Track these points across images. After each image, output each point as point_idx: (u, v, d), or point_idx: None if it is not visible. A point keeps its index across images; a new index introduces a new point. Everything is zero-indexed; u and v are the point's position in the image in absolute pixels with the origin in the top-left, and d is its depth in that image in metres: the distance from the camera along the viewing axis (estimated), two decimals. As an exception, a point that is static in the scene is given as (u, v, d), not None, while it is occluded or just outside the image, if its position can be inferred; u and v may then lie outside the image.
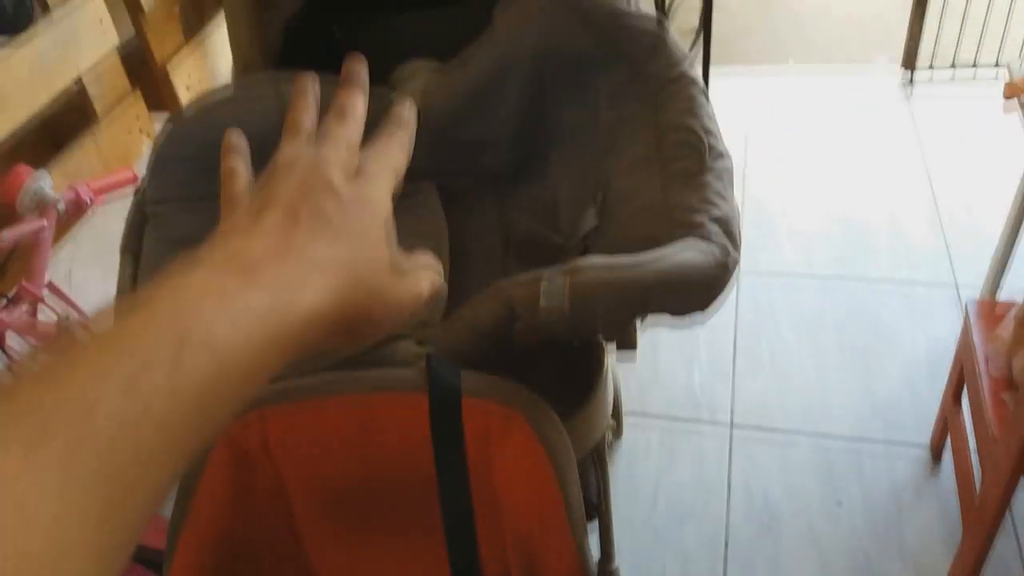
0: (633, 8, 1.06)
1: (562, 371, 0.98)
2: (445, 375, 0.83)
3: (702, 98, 0.96)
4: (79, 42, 1.50)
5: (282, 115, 1.19)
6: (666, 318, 0.90)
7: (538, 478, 0.78)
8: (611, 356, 1.10)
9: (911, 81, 2.98)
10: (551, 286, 0.83)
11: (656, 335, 2.18)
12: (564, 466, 0.80)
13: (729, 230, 0.88)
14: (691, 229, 0.87)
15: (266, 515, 0.84)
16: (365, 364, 0.91)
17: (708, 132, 0.94)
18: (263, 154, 1.25)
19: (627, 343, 1.08)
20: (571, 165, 1.14)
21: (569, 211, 1.12)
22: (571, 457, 0.81)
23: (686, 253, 0.84)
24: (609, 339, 1.01)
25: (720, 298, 0.89)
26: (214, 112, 1.13)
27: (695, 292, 0.85)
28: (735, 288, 2.29)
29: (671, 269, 0.82)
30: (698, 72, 1.03)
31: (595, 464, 1.16)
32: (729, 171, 0.94)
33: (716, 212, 0.89)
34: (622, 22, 1.00)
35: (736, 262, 0.88)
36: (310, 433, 0.84)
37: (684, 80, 0.97)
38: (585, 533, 0.78)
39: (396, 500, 0.86)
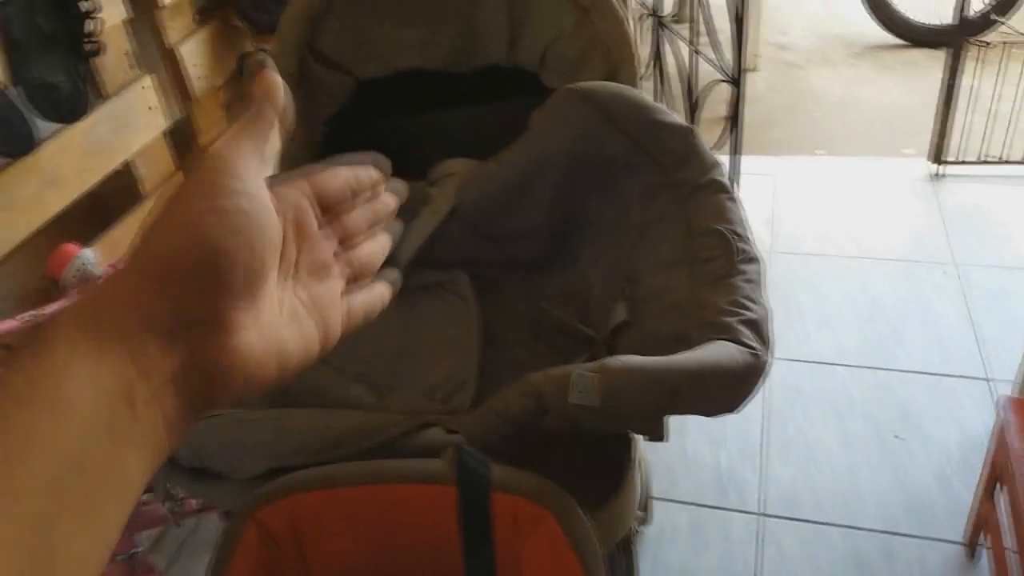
0: (662, 107, 1.09)
1: (591, 462, 0.98)
2: (475, 468, 0.84)
3: (732, 204, 0.99)
4: (131, 126, 1.57)
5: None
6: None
7: (565, 574, 0.78)
8: (640, 441, 1.10)
9: (939, 175, 3.00)
10: (580, 381, 0.84)
11: (684, 419, 2.17)
12: (591, 565, 0.80)
13: (760, 333, 0.89)
14: (721, 331, 0.89)
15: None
16: (394, 453, 0.92)
17: (738, 236, 0.96)
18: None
19: (656, 437, 1.09)
20: (601, 259, 1.16)
21: (599, 302, 1.14)
22: (598, 556, 0.81)
23: (716, 355, 0.85)
24: (639, 433, 1.01)
25: (747, 399, 0.90)
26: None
27: (725, 391, 0.86)
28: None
29: (702, 367, 0.83)
30: (726, 168, 1.06)
31: (623, 555, 1.15)
32: (759, 274, 0.95)
33: (747, 315, 0.90)
34: (654, 130, 1.03)
35: (766, 364, 0.89)
36: (338, 522, 0.85)
37: (715, 186, 1.00)
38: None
39: (423, 594, 0.86)
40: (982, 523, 1.68)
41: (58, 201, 1.46)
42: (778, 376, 2.27)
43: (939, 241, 2.72)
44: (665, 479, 2.01)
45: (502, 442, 0.91)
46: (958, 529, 1.81)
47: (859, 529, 1.85)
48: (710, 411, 0.88)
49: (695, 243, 0.97)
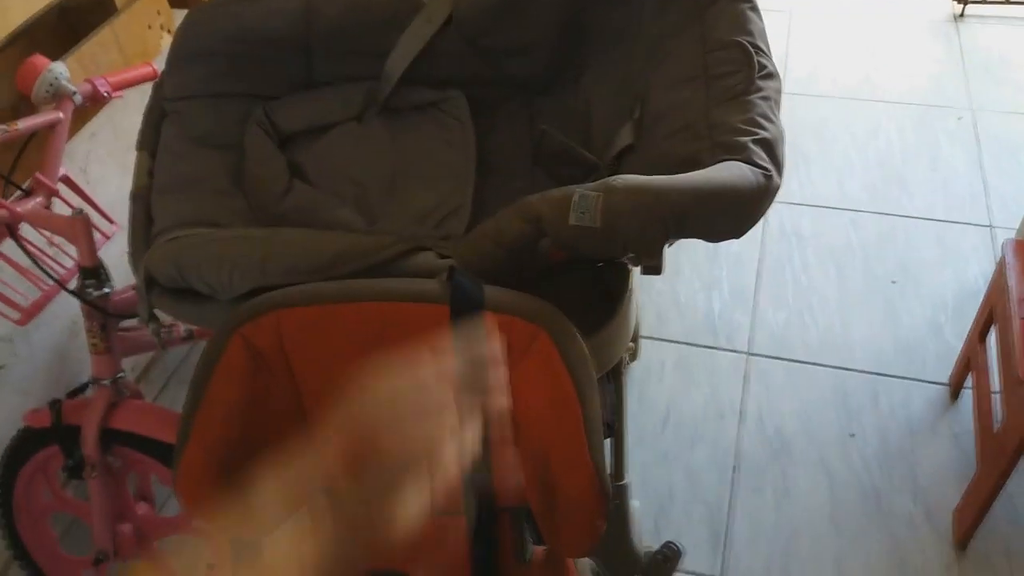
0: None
1: (586, 290, 0.95)
2: (467, 288, 0.80)
3: (754, 15, 0.91)
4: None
5: (305, 16, 1.15)
6: (696, 241, 0.87)
7: (558, 393, 0.77)
8: (634, 278, 1.07)
9: (962, 15, 2.85)
10: (582, 202, 0.79)
11: (678, 261, 2.15)
12: (585, 383, 0.78)
13: (773, 153, 0.84)
14: (734, 151, 0.83)
15: (278, 416, 0.84)
16: (386, 276, 0.89)
17: (758, 50, 0.89)
18: (283, 59, 1.20)
19: (653, 266, 1.06)
20: (608, 76, 1.09)
21: (603, 126, 1.07)
22: (592, 374, 0.79)
23: (726, 174, 0.80)
24: (638, 260, 0.98)
25: (756, 222, 0.86)
26: (235, 5, 1.08)
27: (732, 216, 0.82)
28: (763, 217, 2.24)
29: (710, 190, 0.79)
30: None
31: (611, 383, 1.15)
32: (777, 91, 0.89)
33: (761, 134, 0.84)
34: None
35: (777, 186, 0.84)
36: (326, 338, 0.83)
37: (736, -8, 0.91)
38: (602, 449, 0.77)
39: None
40: (969, 364, 1.70)
41: (23, 10, 1.35)
42: (776, 220, 2.24)
43: (957, 85, 2.61)
44: (655, 319, 2.01)
45: (496, 268, 0.88)
46: (944, 373, 1.83)
47: (846, 370, 1.88)
48: (715, 235, 0.84)
49: (712, 57, 0.90)
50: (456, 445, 0.53)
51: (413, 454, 0.52)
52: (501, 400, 0.55)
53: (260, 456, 0.84)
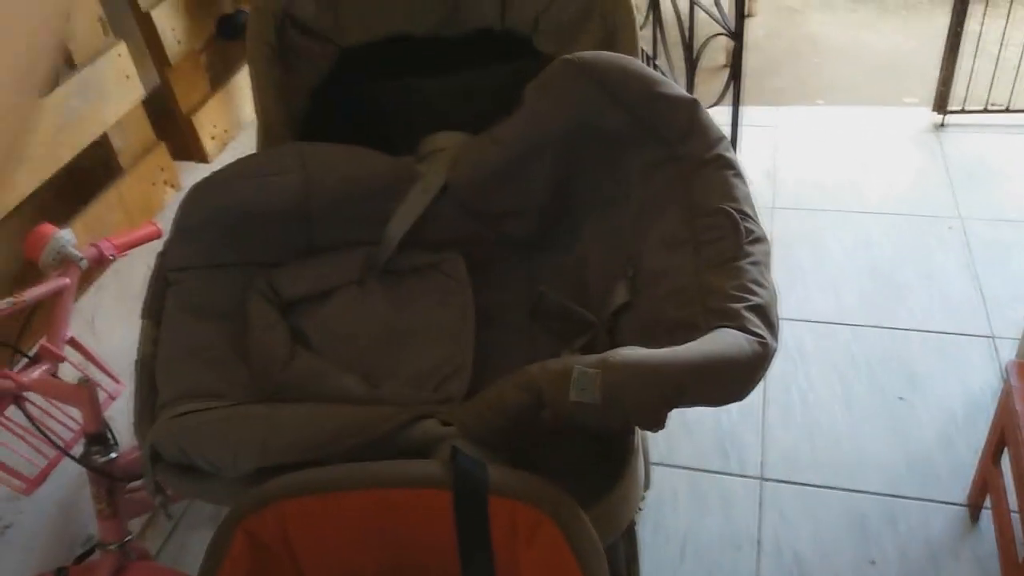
0: (664, 78, 1.03)
1: (592, 453, 0.95)
2: (471, 471, 0.80)
3: (738, 180, 0.93)
4: (105, 96, 1.50)
5: (305, 189, 1.18)
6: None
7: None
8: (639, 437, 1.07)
9: (943, 124, 2.93)
10: (582, 379, 0.80)
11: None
12: (593, 568, 0.77)
13: (767, 319, 0.85)
14: (727, 319, 0.84)
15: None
16: (388, 447, 0.89)
17: (744, 215, 0.91)
18: (283, 228, 1.23)
19: (657, 429, 1.06)
20: (601, 236, 1.11)
21: (598, 283, 1.09)
22: (601, 558, 0.78)
23: (721, 346, 0.81)
24: (639, 427, 0.97)
25: (755, 387, 0.87)
26: (237, 182, 1.12)
27: (730, 385, 0.82)
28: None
29: (706, 363, 0.79)
30: (727, 122, 1.00)
31: (625, 540, 1.12)
32: (766, 254, 0.91)
33: (754, 300, 0.86)
34: (656, 103, 0.97)
35: (774, 351, 0.85)
36: (330, 527, 0.82)
37: (720, 162, 0.94)
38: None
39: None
40: (986, 486, 1.67)
41: (31, 180, 1.40)
42: (779, 337, 2.24)
43: (943, 194, 2.66)
44: (664, 444, 1.99)
45: (497, 434, 0.88)
46: (961, 490, 1.80)
47: (861, 492, 1.84)
48: (716, 403, 0.84)
49: (699, 222, 0.93)
50: None
51: None
52: None
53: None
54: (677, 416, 2.04)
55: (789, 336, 2.24)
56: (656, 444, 1.99)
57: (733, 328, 0.84)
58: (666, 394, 0.79)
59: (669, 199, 0.97)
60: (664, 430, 2.05)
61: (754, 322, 0.84)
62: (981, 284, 2.33)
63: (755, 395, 2.06)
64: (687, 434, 2.01)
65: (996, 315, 2.23)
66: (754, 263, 0.89)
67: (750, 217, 0.92)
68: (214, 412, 0.97)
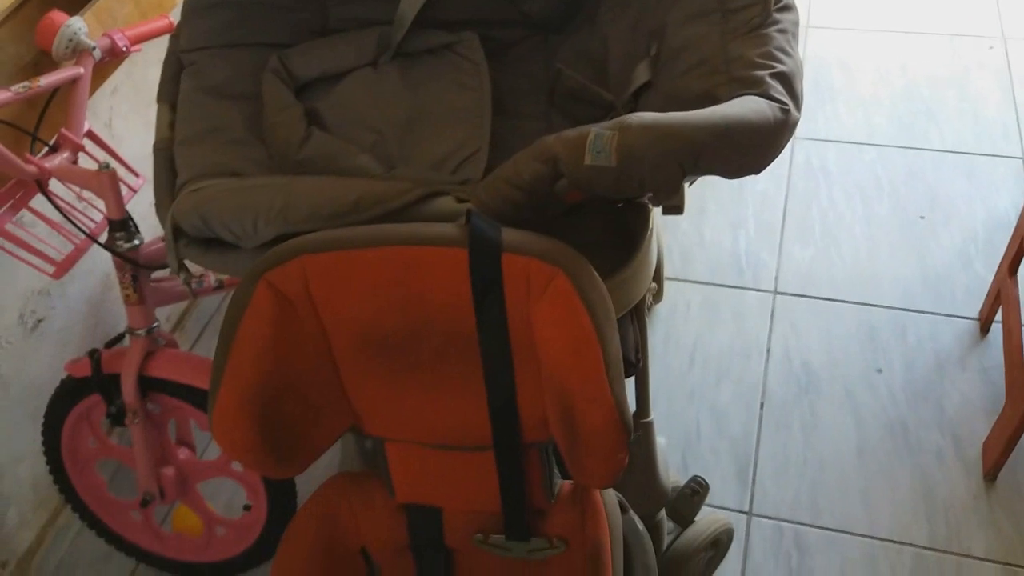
0: None
1: (606, 231, 0.96)
2: (486, 230, 0.81)
3: (770, -59, 0.88)
4: None
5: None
6: (716, 178, 0.86)
7: (578, 333, 0.78)
8: (656, 218, 1.07)
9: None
10: (598, 141, 0.79)
11: (703, 199, 2.13)
12: (603, 321, 0.79)
13: (791, 87, 0.83)
14: (751, 86, 0.82)
15: (307, 358, 0.86)
16: (405, 221, 0.90)
17: (775, -20, 0.87)
18: (296, 5, 1.19)
19: (674, 205, 1.05)
20: (623, 14, 1.07)
21: (619, 64, 1.06)
22: (611, 313, 0.80)
23: (743, 109, 0.79)
24: (657, 200, 0.97)
25: (774, 158, 0.85)
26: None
27: (750, 150, 0.81)
28: (788, 153, 2.21)
29: (726, 125, 0.78)
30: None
31: (634, 322, 1.15)
32: (795, 23, 0.87)
33: (779, 67, 0.83)
34: None
35: (796, 121, 0.83)
36: (351, 282, 0.84)
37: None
38: (623, 385, 0.78)
39: (436, 350, 0.87)
40: (999, 299, 1.68)
41: (38, -35, 1.36)
42: (803, 156, 2.21)
43: (990, 13, 2.53)
44: (680, 260, 2.01)
45: (514, 210, 0.88)
46: (974, 307, 1.82)
47: (874, 306, 1.87)
48: (733, 171, 0.83)
49: (727, -13, 0.89)
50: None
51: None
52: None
53: (292, 398, 0.87)
54: (694, 234, 2.05)
55: (813, 155, 2.21)
56: (671, 260, 2.01)
57: (756, 94, 0.82)
58: (682, 156, 0.78)
59: (697, -36, 0.92)
60: (680, 247, 2.06)
61: (777, 89, 0.82)
62: (1018, 106, 2.26)
63: (775, 214, 2.06)
64: (704, 252, 2.02)
65: (1030, 136, 2.17)
66: (781, 31, 0.86)
67: (781, -18, 0.88)
68: (234, 182, 0.98)
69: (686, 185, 0.91)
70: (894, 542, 1.50)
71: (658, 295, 1.92)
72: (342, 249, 0.83)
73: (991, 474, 1.54)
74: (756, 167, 0.84)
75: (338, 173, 1.04)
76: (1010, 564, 1.44)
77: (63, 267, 1.32)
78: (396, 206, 0.90)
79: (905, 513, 1.53)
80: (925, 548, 1.48)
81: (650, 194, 0.96)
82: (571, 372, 0.78)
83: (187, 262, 1.07)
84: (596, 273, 0.81)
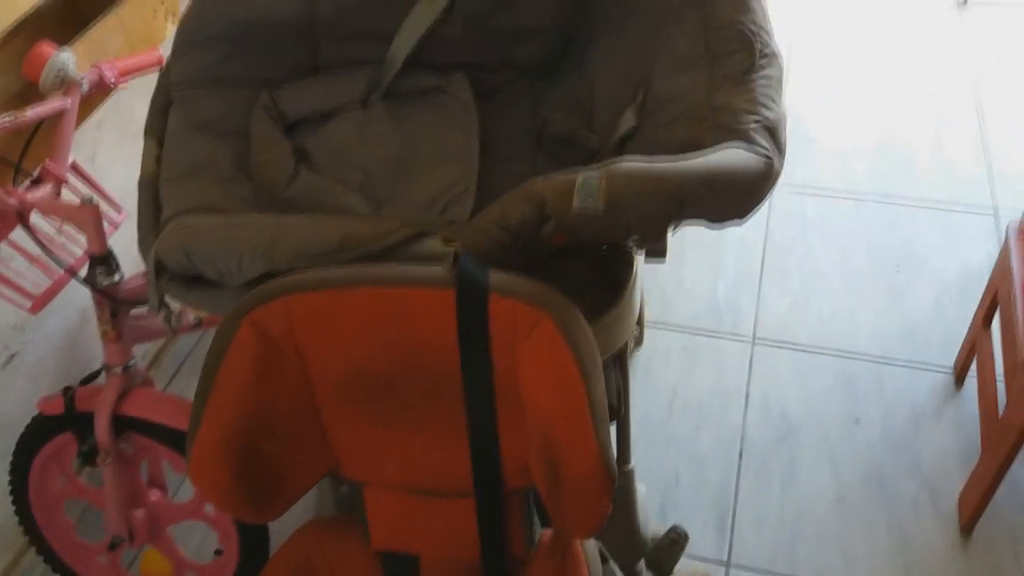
0: None
1: (591, 275, 0.96)
2: (473, 272, 0.81)
3: (755, -2, 0.91)
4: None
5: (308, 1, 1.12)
6: (700, 225, 0.87)
7: (563, 377, 0.78)
8: (638, 264, 1.08)
9: (963, 1, 2.84)
10: (586, 185, 0.80)
11: (683, 246, 2.15)
12: (589, 366, 0.79)
13: (776, 137, 0.84)
14: (735, 135, 0.84)
15: (289, 399, 0.85)
16: (391, 259, 0.90)
17: (759, 31, 0.89)
18: (288, 42, 1.20)
19: (657, 251, 1.06)
20: (611, 62, 1.09)
21: (605, 110, 1.08)
22: (597, 357, 0.80)
23: (728, 158, 0.81)
24: (641, 244, 0.98)
25: (758, 206, 0.87)
26: (242, -9, 1.08)
27: (735, 196, 0.82)
28: (768, 201, 2.24)
29: (712, 174, 0.79)
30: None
31: (616, 368, 1.15)
32: (780, 73, 0.89)
33: (764, 116, 0.85)
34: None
35: (779, 171, 0.85)
36: (335, 323, 0.84)
37: (736, -25, 0.91)
38: (607, 430, 0.78)
39: (420, 392, 0.86)
40: (973, 350, 1.70)
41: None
42: (782, 204, 2.24)
43: (961, 69, 2.61)
44: (659, 305, 2.02)
45: (501, 252, 0.89)
46: (949, 357, 1.84)
47: (851, 356, 1.88)
48: (718, 218, 0.84)
49: (713, 38, 0.91)
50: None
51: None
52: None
53: (272, 439, 0.86)
54: (673, 278, 2.06)
55: (793, 204, 2.24)
56: (651, 305, 2.02)
57: (741, 143, 0.83)
58: (669, 203, 0.79)
59: (684, 16, 0.95)
60: (660, 292, 2.07)
61: (761, 139, 0.84)
62: (990, 161, 2.31)
63: (754, 261, 2.09)
64: (683, 297, 2.03)
65: (1002, 192, 2.22)
66: (766, 80, 0.88)
67: (765, 33, 0.90)
68: (221, 218, 0.98)
69: (670, 232, 0.92)
70: (873, 594, 1.49)
71: (639, 340, 1.93)
72: (327, 288, 0.82)
73: (968, 527, 1.54)
74: (740, 214, 0.85)
75: (325, 212, 1.04)
76: (988, 617, 1.44)
77: (40, 301, 1.30)
78: (383, 246, 0.90)
79: (883, 565, 1.52)
80: (903, 600, 1.47)
81: (636, 238, 0.97)
82: (556, 416, 0.78)
83: (167, 299, 1.06)
84: (583, 317, 0.81)
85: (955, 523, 1.57)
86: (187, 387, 1.88)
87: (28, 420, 1.39)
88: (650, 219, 0.80)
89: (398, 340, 0.84)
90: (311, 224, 0.94)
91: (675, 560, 1.34)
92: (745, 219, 0.86)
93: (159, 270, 1.01)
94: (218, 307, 1.01)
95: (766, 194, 0.85)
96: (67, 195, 1.33)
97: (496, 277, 0.82)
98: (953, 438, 1.71)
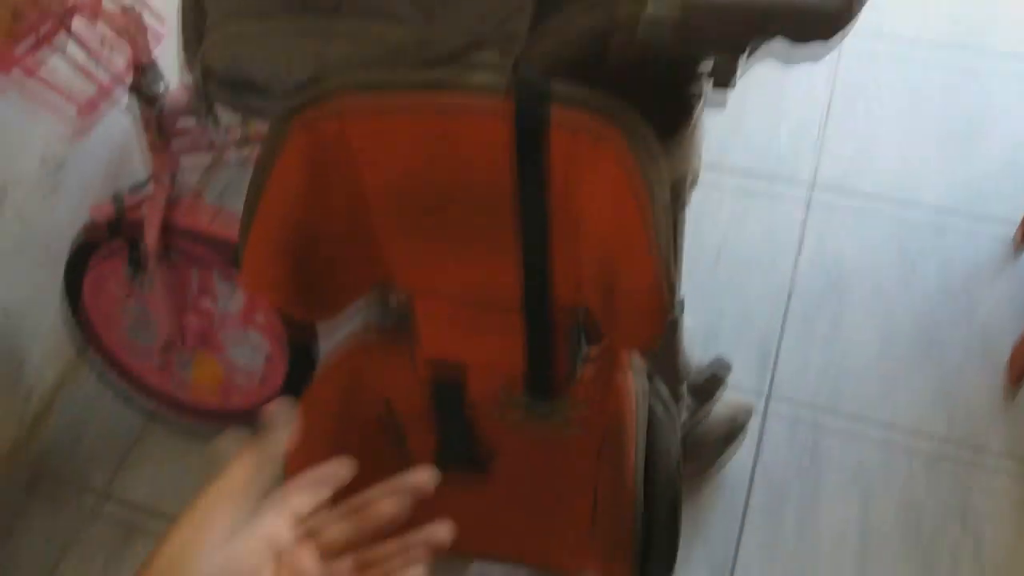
0: None
1: (659, 96, 0.91)
2: (534, 80, 0.77)
3: None
4: None
5: None
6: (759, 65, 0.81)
7: (627, 187, 0.74)
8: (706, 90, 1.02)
9: None
10: (662, -11, 0.73)
11: (745, 89, 2.04)
12: (653, 177, 0.75)
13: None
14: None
15: (340, 205, 0.83)
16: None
17: None
18: None
19: (726, 78, 1.00)
20: None
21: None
22: (663, 175, 0.76)
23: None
24: (713, 71, 0.92)
25: (846, 30, 0.80)
26: None
27: (823, 16, 0.75)
28: (838, 47, 2.10)
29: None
30: None
31: (672, 205, 1.12)
32: None
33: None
34: None
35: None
36: (388, 128, 0.80)
37: None
38: (670, 248, 0.75)
39: (473, 205, 0.84)
40: (1045, 206, 1.62)
41: None
42: (852, 50, 2.10)
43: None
44: (715, 149, 1.94)
45: (561, 69, 0.83)
46: (1015, 217, 1.76)
47: (914, 205, 1.81)
48: (802, 36, 0.78)
49: None
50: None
51: None
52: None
53: (324, 239, 0.85)
54: (733, 120, 1.98)
55: (864, 50, 2.10)
56: (706, 148, 1.94)
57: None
58: (751, 10, 0.73)
59: None
60: (716, 136, 1.98)
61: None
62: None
63: (818, 105, 1.99)
64: (741, 141, 1.95)
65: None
66: None
67: None
68: (269, 22, 0.93)
69: (743, 56, 0.86)
70: (911, 431, 1.49)
71: (694, 180, 1.87)
72: (379, 89, 0.78)
73: (1016, 381, 1.52)
74: (826, 35, 0.78)
75: (375, 20, 0.99)
76: (1025, 461, 1.44)
77: (87, 108, 1.28)
78: (436, 53, 0.86)
79: (926, 412, 1.52)
80: (942, 440, 1.48)
81: (707, 59, 0.91)
82: (616, 228, 0.75)
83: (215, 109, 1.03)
84: (652, 134, 0.77)
85: (1002, 376, 1.55)
86: (234, 206, 1.88)
87: (78, 227, 1.41)
88: (730, 29, 0.74)
89: (453, 151, 0.80)
90: (362, 29, 0.89)
91: (717, 386, 1.36)
92: (831, 41, 0.79)
93: (206, 74, 0.98)
94: (267, 114, 0.98)
95: (853, 16, 0.78)
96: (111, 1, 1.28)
97: (559, 87, 0.77)
98: (1011, 295, 1.66)
